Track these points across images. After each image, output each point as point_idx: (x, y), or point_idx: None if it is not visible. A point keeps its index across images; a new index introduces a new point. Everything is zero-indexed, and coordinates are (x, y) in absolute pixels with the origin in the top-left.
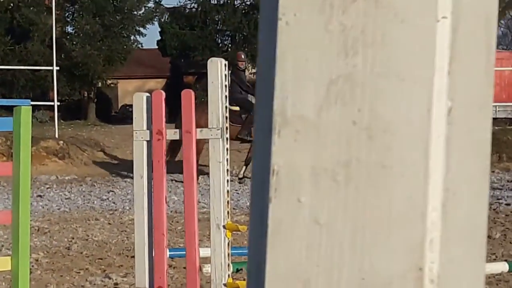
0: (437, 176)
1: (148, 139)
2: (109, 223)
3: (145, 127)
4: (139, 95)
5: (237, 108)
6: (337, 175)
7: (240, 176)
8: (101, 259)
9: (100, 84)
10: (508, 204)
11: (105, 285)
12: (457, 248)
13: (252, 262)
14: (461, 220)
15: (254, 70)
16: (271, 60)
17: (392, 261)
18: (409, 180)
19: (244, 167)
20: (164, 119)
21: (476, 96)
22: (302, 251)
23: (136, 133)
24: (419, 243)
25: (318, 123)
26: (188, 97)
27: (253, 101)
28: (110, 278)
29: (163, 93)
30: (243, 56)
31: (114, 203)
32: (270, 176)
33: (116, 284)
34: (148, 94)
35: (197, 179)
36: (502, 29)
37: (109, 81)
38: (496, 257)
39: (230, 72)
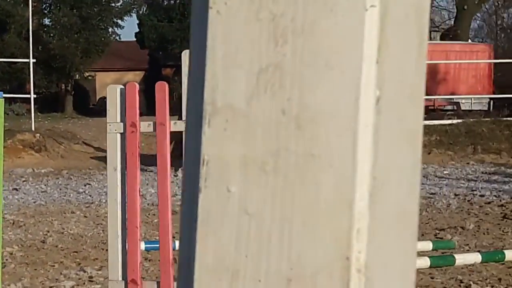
0: (365, 165)
1: (122, 131)
2: (85, 216)
3: (119, 119)
4: (113, 87)
5: None
6: (266, 164)
7: None
8: (76, 252)
9: (77, 77)
10: (482, 196)
11: (79, 278)
12: (385, 237)
13: (182, 254)
14: (390, 210)
15: None
16: (202, 49)
17: (320, 251)
18: (336, 170)
19: None
20: (138, 112)
21: (407, 86)
22: (231, 242)
23: (110, 125)
24: (346, 232)
25: (248, 112)
26: (162, 89)
27: None
28: (85, 271)
29: (137, 85)
30: None
31: (90, 196)
32: (200, 166)
33: (90, 277)
34: (122, 86)
35: (176, 171)
36: (478, 22)
37: (86, 74)
38: (470, 248)
39: None
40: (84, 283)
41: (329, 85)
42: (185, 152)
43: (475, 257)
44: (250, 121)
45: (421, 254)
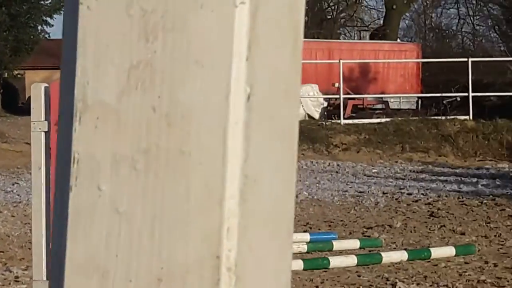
0: (235, 162)
1: (46, 130)
2: (13, 216)
3: (43, 117)
4: (37, 86)
5: None
6: (137, 162)
7: None
8: (3, 252)
9: (6, 75)
10: (410, 194)
11: (5, 279)
12: (257, 235)
13: (53, 253)
14: (262, 207)
15: None
16: (73, 45)
17: (190, 249)
18: (207, 167)
19: None
20: None
21: (280, 83)
22: (102, 241)
23: (34, 124)
24: (216, 230)
25: (118, 109)
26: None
27: None
28: (10, 271)
29: None
30: None
31: (18, 195)
32: (71, 165)
33: (16, 277)
34: (46, 85)
35: None
36: (407, 21)
37: (15, 72)
38: (396, 246)
39: None
40: (9, 283)
41: (200, 82)
42: (57, 151)
43: (401, 255)
44: (121, 119)
45: (348, 252)
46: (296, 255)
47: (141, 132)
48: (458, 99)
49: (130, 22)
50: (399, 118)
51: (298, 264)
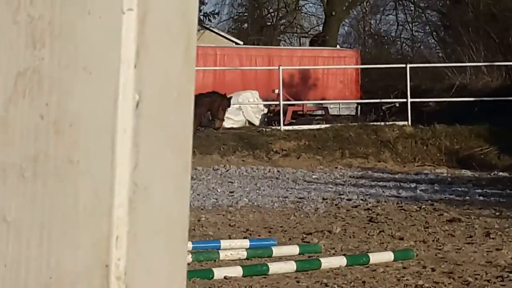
0: (124, 171)
1: None
2: None
3: None
4: None
5: None
6: (25, 171)
7: None
8: None
9: None
10: (349, 199)
11: None
12: (148, 244)
13: None
14: (153, 215)
15: None
16: None
17: (79, 258)
18: (95, 175)
19: None
20: None
21: (171, 90)
22: None
23: None
24: (105, 239)
25: (6, 117)
26: None
27: None
28: None
29: None
30: None
31: None
32: None
33: None
34: None
35: None
36: (346, 28)
37: None
38: (336, 251)
39: None
40: None
41: (88, 89)
42: None
43: (340, 261)
44: (8, 126)
45: (287, 258)
46: (235, 262)
47: (29, 140)
48: (397, 105)
49: (17, 29)
50: (339, 124)
51: (237, 271)
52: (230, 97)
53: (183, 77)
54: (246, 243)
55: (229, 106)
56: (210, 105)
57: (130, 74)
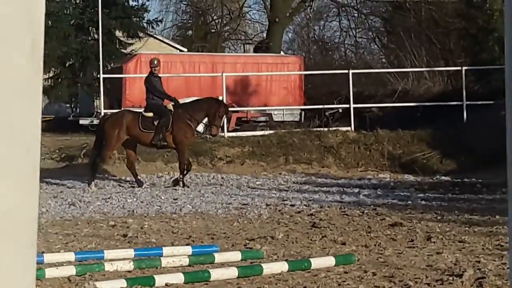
0: None
1: None
2: None
3: None
4: None
5: (151, 114)
6: None
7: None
8: None
9: None
10: (292, 205)
11: None
12: None
13: None
14: None
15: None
16: None
17: None
18: None
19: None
20: None
21: (17, 86)
22: None
23: None
24: None
25: None
26: None
27: (169, 107)
28: None
29: None
30: (155, 62)
31: None
32: None
33: None
34: None
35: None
36: (290, 34)
37: None
38: (278, 257)
39: (145, 78)
40: None
41: None
42: None
43: (282, 266)
44: None
45: (230, 264)
46: (177, 269)
47: None
48: (340, 110)
49: None
50: (283, 130)
51: (179, 278)
52: (230, 104)
53: (30, 72)
54: (189, 250)
55: (227, 113)
56: (208, 111)
57: None
